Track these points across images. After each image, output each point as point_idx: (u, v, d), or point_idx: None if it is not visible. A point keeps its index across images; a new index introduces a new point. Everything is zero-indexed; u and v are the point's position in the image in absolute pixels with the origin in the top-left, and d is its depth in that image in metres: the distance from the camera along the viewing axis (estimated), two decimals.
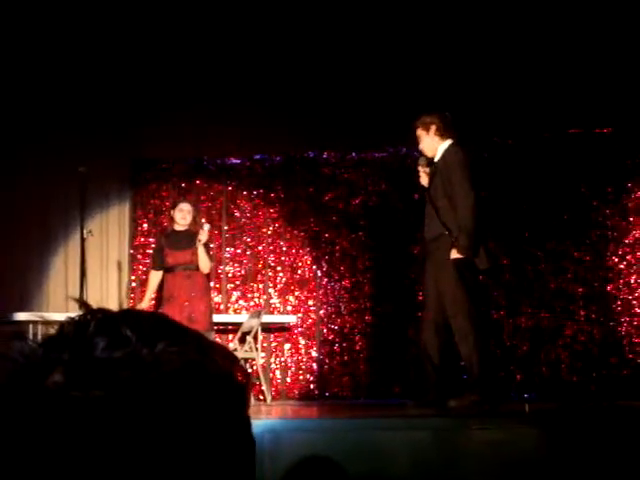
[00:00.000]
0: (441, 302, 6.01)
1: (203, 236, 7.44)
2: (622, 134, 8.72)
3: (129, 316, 0.86)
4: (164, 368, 0.80)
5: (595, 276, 8.73)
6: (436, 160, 6.12)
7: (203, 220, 8.47)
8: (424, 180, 6.21)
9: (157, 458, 0.78)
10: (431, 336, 6.07)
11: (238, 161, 9.62)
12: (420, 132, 6.18)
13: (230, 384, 0.85)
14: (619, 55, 8.00)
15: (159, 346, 0.81)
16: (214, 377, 0.83)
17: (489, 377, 6.05)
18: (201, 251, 7.43)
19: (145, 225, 9.52)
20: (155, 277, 7.66)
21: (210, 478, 0.81)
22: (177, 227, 7.60)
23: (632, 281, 8.79)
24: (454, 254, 5.88)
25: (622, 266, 8.66)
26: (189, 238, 7.50)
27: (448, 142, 6.10)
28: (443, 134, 6.11)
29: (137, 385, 0.79)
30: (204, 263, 7.47)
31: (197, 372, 0.81)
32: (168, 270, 7.51)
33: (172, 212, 7.67)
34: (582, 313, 8.75)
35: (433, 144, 6.12)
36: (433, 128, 6.10)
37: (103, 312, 0.87)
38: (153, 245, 8.45)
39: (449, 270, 5.89)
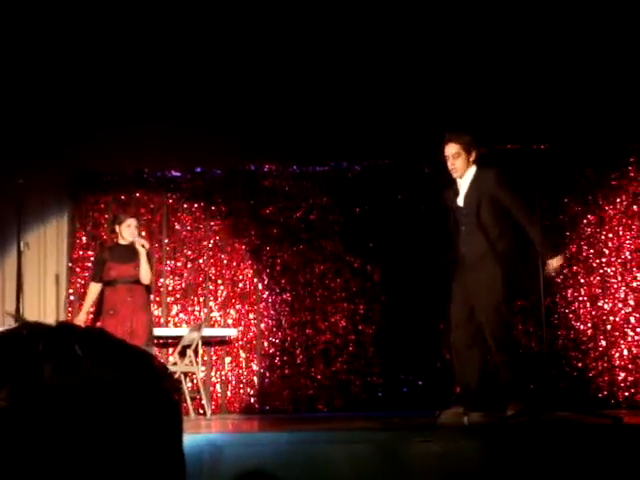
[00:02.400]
0: (475, 317, 6.25)
1: (144, 242, 7.50)
2: (558, 150, 8.86)
3: (72, 334, 0.85)
4: (109, 391, 0.79)
5: (533, 289, 8.83)
6: (467, 182, 6.34)
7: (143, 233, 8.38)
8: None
9: (93, 474, 0.77)
10: (469, 351, 6.35)
11: (178, 174, 9.57)
12: (460, 150, 6.29)
13: (166, 402, 0.84)
14: (551, 71, 8.13)
15: (106, 369, 0.81)
16: (152, 396, 0.82)
17: (527, 387, 6.42)
18: (144, 260, 7.45)
19: (84, 238, 9.40)
20: (95, 289, 7.61)
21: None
22: (121, 241, 7.59)
23: (568, 295, 8.93)
24: (558, 261, 6.23)
25: (559, 280, 8.77)
26: (133, 252, 7.51)
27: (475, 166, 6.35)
28: (475, 160, 6.36)
29: (82, 408, 0.78)
30: (145, 272, 7.46)
31: (136, 392, 0.81)
32: (109, 283, 7.48)
33: (118, 227, 7.63)
34: (520, 327, 8.85)
35: (466, 167, 6.32)
36: (474, 154, 6.32)
37: (41, 327, 0.85)
38: (93, 258, 8.36)
39: (497, 285, 6.13)
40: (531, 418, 5.50)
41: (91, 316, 7.89)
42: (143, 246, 7.55)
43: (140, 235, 7.79)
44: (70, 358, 0.82)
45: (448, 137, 6.34)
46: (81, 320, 7.46)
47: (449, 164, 6.35)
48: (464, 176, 6.34)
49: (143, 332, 7.47)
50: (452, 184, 6.51)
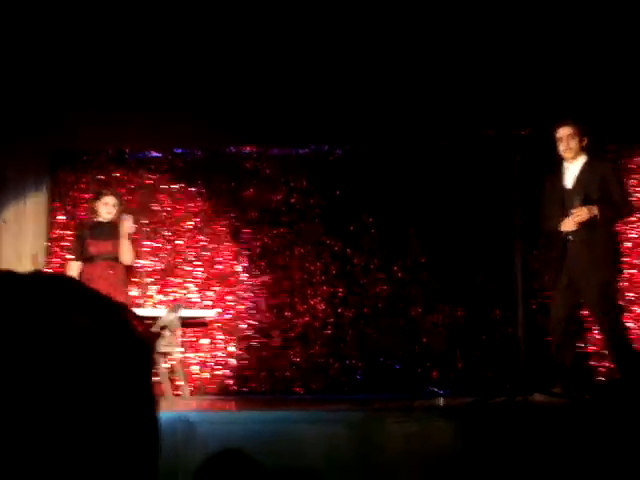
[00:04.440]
0: (576, 298, 6.77)
1: (130, 226, 7.51)
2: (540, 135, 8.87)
3: (44, 280, 0.85)
4: (79, 336, 0.79)
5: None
6: (578, 166, 6.77)
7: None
8: None
9: (61, 416, 0.77)
10: (567, 328, 6.79)
11: (159, 154, 9.53)
12: (576, 132, 6.78)
13: (137, 349, 0.84)
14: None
15: (76, 314, 0.80)
16: (123, 343, 0.82)
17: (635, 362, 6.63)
18: (125, 242, 7.45)
19: (62, 217, 9.36)
20: (74, 268, 7.59)
21: (115, 438, 0.80)
22: (100, 219, 7.59)
23: (547, 278, 8.95)
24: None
25: (536, 266, 8.80)
26: (112, 229, 7.54)
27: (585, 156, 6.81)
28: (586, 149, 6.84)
29: (50, 354, 0.78)
30: (127, 255, 7.49)
31: (107, 338, 0.80)
32: (88, 260, 7.49)
33: (95, 204, 7.65)
34: (497, 312, 8.88)
35: (578, 151, 6.79)
36: (586, 140, 6.80)
37: (14, 275, 0.85)
38: (71, 237, 8.32)
39: (608, 264, 6.65)
40: (508, 400, 5.53)
41: None
42: (129, 227, 7.60)
43: (123, 214, 7.82)
44: (41, 303, 0.81)
45: (564, 120, 6.81)
46: None
47: (563, 145, 6.76)
48: (575, 160, 6.74)
49: None
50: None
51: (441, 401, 5.62)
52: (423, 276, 9.17)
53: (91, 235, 7.55)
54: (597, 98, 8.38)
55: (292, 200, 9.42)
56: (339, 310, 9.26)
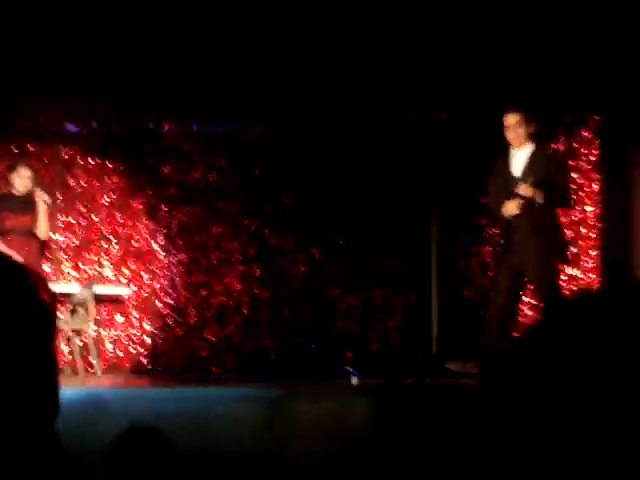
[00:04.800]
0: (517, 285, 6.74)
1: (46, 200, 7.36)
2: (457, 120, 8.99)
3: None
4: None
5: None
6: (525, 154, 6.76)
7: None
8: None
9: None
10: (504, 315, 6.70)
11: (75, 129, 9.35)
12: (520, 121, 6.72)
13: (36, 306, 0.83)
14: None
15: None
16: (22, 300, 0.81)
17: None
18: (43, 215, 7.32)
19: None
20: None
21: (10, 398, 0.79)
22: (14, 191, 7.42)
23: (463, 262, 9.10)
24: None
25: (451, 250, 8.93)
26: (28, 202, 7.38)
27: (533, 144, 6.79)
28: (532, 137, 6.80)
29: None
30: (44, 228, 7.36)
31: (5, 296, 0.80)
32: (2, 234, 7.30)
33: (10, 176, 7.47)
34: (413, 295, 9.00)
35: (525, 139, 6.76)
36: (532, 127, 6.77)
37: None
38: None
39: (550, 256, 6.68)
40: (418, 381, 5.62)
41: None
42: (45, 202, 7.44)
43: (37, 188, 7.67)
44: None
45: (508, 109, 6.78)
46: None
47: (510, 133, 6.73)
48: (522, 148, 6.73)
49: None
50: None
51: (354, 380, 5.69)
52: (340, 257, 9.23)
53: (6, 208, 7.37)
54: (546, 72, 8.45)
55: (210, 178, 9.36)
56: (255, 290, 9.26)
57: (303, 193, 9.25)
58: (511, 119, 6.73)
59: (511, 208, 6.55)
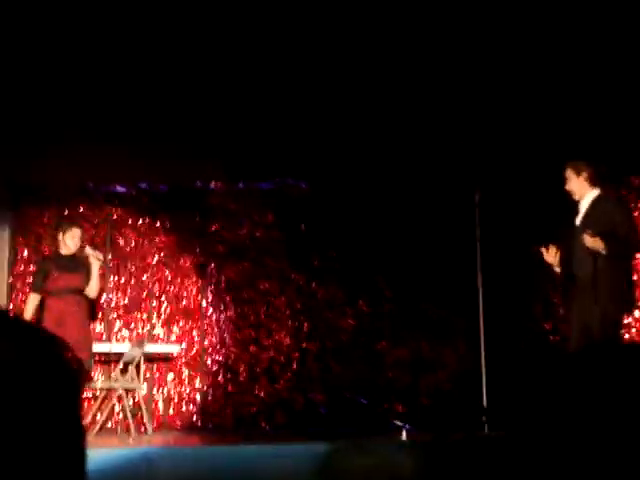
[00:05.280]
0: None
1: (99, 256, 7.47)
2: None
3: None
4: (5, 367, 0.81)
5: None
6: (586, 203, 6.66)
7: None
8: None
9: None
10: None
11: (123, 189, 9.52)
12: (570, 174, 6.69)
13: (62, 372, 0.86)
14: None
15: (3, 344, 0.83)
16: (49, 373, 0.84)
17: None
18: (96, 272, 7.42)
19: (25, 252, 9.30)
20: (35, 301, 7.47)
21: (40, 461, 0.82)
22: (64, 251, 7.52)
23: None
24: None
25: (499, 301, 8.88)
26: (78, 262, 7.47)
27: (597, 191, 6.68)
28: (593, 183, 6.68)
29: None
30: (95, 286, 7.44)
31: (33, 370, 0.83)
32: (55, 294, 7.37)
33: (60, 235, 7.57)
34: (461, 346, 8.93)
35: (581, 189, 6.68)
36: (585, 175, 6.66)
37: None
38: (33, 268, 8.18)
39: (609, 314, 6.37)
40: (468, 435, 5.57)
41: None
42: (98, 259, 7.54)
43: (89, 246, 7.79)
44: None
45: (566, 163, 6.78)
46: None
47: (567, 186, 6.73)
48: (583, 197, 6.67)
49: (87, 345, 7.46)
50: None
51: (404, 434, 5.65)
52: (388, 310, 9.22)
53: (57, 268, 7.44)
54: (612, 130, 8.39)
55: (257, 234, 9.45)
56: (304, 345, 9.27)
57: (349, 246, 9.28)
58: (567, 172, 6.71)
59: (548, 256, 6.50)
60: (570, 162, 6.75)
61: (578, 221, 6.68)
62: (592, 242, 6.27)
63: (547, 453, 0.85)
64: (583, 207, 6.70)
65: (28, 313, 7.51)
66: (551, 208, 8.96)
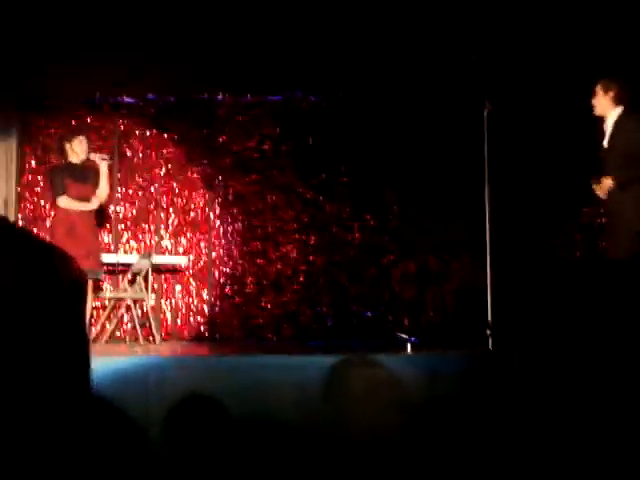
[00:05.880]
0: None
1: (105, 156, 7.51)
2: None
3: None
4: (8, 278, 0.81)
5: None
6: (611, 123, 6.51)
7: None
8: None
9: None
10: None
11: (131, 100, 9.45)
12: (598, 89, 6.55)
13: (64, 283, 0.86)
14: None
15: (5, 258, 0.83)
16: (49, 279, 0.84)
17: None
18: (104, 175, 7.47)
19: (33, 162, 9.29)
20: (67, 202, 7.44)
21: (45, 368, 0.83)
22: (74, 159, 7.52)
23: None
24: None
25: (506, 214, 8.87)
26: (89, 171, 7.51)
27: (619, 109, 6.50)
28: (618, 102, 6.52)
29: None
30: (105, 190, 7.50)
31: (36, 278, 0.83)
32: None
33: (68, 145, 7.55)
34: (467, 260, 8.96)
35: (606, 107, 6.54)
36: (612, 93, 6.50)
37: None
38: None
39: (625, 220, 6.29)
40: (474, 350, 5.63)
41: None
42: (103, 159, 7.56)
43: (94, 153, 7.80)
44: None
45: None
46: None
47: (593, 104, 6.59)
48: (607, 116, 6.54)
49: (98, 254, 7.56)
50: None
51: (409, 348, 5.72)
52: (395, 224, 9.24)
53: (70, 177, 7.44)
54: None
55: (265, 147, 9.40)
56: (311, 258, 9.32)
57: (357, 161, 9.25)
58: (597, 87, 6.58)
59: (598, 189, 6.43)
60: (602, 79, 6.60)
61: (605, 142, 6.58)
62: (599, 189, 6.26)
63: (553, 369, 0.85)
64: (608, 127, 6.58)
65: (74, 205, 7.47)
66: (563, 124, 8.90)
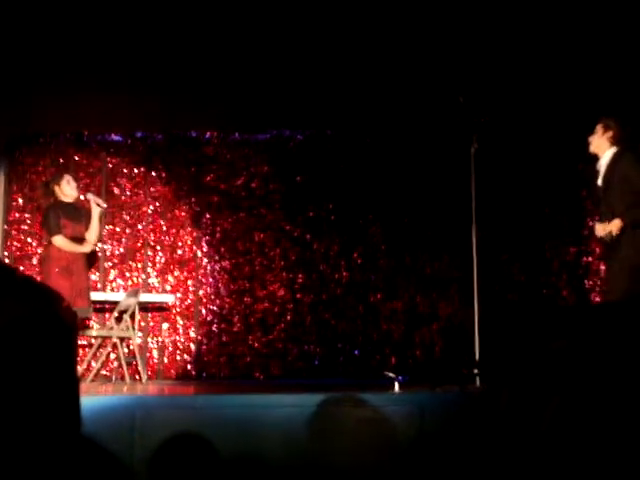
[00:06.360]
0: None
1: (100, 201, 7.54)
2: None
3: None
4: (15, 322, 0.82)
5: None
6: (605, 161, 6.54)
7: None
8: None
9: None
10: None
11: (119, 138, 9.48)
12: (597, 128, 6.59)
13: (57, 325, 0.86)
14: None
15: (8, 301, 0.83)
16: (45, 323, 0.84)
17: None
18: (96, 218, 7.48)
19: (20, 200, 9.29)
20: (62, 242, 7.42)
21: (35, 412, 0.82)
22: (65, 199, 7.53)
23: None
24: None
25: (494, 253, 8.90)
26: (81, 211, 7.54)
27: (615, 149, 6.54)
28: (615, 142, 6.56)
29: None
30: (96, 232, 7.52)
31: (29, 320, 0.83)
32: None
33: (57, 186, 7.56)
34: (455, 298, 8.98)
35: (601, 146, 6.57)
36: (611, 133, 6.54)
37: None
38: (29, 219, 8.14)
39: (623, 256, 6.27)
40: (460, 388, 5.61)
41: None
42: (99, 205, 7.59)
43: (89, 193, 7.84)
44: None
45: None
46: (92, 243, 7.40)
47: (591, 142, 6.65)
48: (603, 155, 6.56)
49: (89, 293, 7.57)
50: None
51: (396, 387, 5.70)
52: (382, 262, 9.25)
53: (65, 216, 7.45)
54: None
55: (252, 185, 9.43)
56: (298, 296, 9.31)
57: (344, 199, 9.29)
58: (597, 126, 6.63)
59: (598, 230, 6.46)
60: (603, 117, 6.65)
61: (600, 181, 6.61)
62: (602, 230, 6.31)
63: (541, 407, 0.86)
64: (601, 166, 6.61)
65: (70, 246, 7.43)
66: (547, 162, 8.98)
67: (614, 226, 6.26)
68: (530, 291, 8.98)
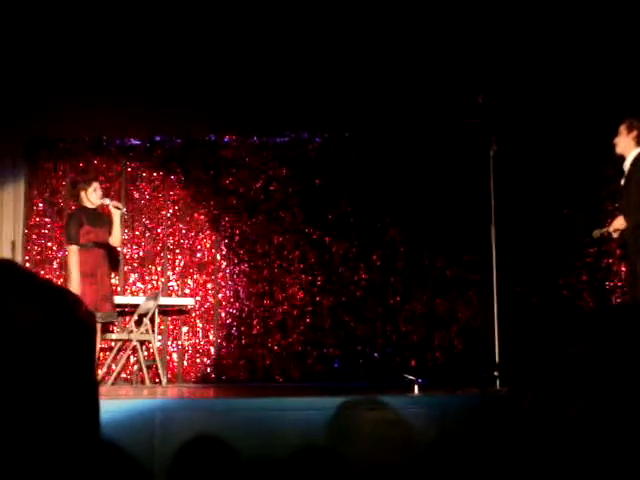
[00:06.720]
0: None
1: (119, 204, 7.60)
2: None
3: None
4: (19, 322, 0.82)
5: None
6: (629, 162, 6.57)
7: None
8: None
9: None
10: None
11: (138, 142, 9.52)
12: (621, 128, 6.60)
13: (79, 330, 0.87)
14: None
15: (12, 301, 0.83)
16: (64, 325, 0.85)
17: None
18: (118, 222, 7.54)
19: (40, 205, 9.34)
20: (77, 252, 7.44)
21: (54, 416, 0.83)
22: (89, 205, 7.57)
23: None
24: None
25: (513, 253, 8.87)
26: (104, 215, 7.59)
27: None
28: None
29: None
30: (119, 235, 7.59)
31: (48, 323, 0.83)
32: (86, 247, 7.42)
33: (84, 192, 7.59)
34: (474, 301, 8.95)
35: (627, 146, 6.59)
36: (635, 133, 6.56)
37: None
38: (49, 224, 8.19)
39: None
40: (480, 390, 5.60)
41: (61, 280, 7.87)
42: (117, 208, 7.62)
43: (108, 198, 7.87)
44: None
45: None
46: (75, 286, 7.19)
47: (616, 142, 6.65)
48: (627, 155, 6.59)
49: (112, 297, 7.62)
50: None
51: (416, 389, 5.69)
52: (401, 265, 9.24)
53: (88, 222, 7.48)
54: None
55: (271, 188, 9.45)
56: (317, 299, 9.31)
57: (363, 201, 9.28)
58: (621, 126, 6.64)
59: (613, 225, 6.49)
60: (627, 117, 6.66)
61: (623, 181, 6.64)
62: (612, 227, 6.32)
63: (564, 409, 0.86)
64: (626, 166, 6.63)
65: (76, 265, 7.40)
66: (566, 163, 8.93)
67: (617, 224, 6.28)
68: (550, 293, 8.93)
